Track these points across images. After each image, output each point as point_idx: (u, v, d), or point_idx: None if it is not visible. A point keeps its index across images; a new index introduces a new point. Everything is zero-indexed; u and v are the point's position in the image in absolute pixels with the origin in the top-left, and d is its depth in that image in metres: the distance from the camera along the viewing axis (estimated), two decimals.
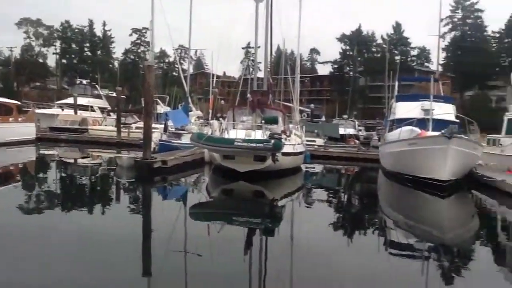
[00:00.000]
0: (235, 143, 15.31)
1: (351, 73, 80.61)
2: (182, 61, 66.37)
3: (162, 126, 24.66)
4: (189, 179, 17.60)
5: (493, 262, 8.21)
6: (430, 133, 16.80)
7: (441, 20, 42.03)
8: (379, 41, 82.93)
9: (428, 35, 73.58)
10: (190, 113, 28.75)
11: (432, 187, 14.80)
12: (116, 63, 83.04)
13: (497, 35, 71.46)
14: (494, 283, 6.75)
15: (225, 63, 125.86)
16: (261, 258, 7.42)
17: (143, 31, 78.26)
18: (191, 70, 49.80)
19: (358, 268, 6.90)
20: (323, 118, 50.30)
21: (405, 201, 14.96)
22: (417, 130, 17.32)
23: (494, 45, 71.83)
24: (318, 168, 24.30)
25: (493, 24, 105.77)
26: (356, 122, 48.10)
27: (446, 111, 19.37)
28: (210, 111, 33.73)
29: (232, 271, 6.46)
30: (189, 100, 30.96)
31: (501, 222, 12.59)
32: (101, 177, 17.47)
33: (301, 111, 37.53)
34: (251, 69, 29.68)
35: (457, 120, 19.13)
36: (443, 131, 14.70)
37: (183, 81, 30.66)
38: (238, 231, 9.16)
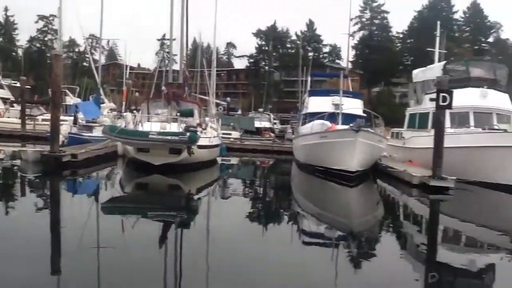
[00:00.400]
0: (150, 136, 15.02)
1: (266, 67, 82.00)
2: (93, 51, 63.65)
3: (72, 118, 23.50)
4: (101, 173, 16.97)
5: (396, 245, 8.85)
6: (340, 126, 17.62)
7: (351, 19, 44.13)
8: (293, 37, 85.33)
9: (339, 34, 77.02)
10: (102, 105, 27.60)
11: (342, 178, 15.55)
12: (20, 51, 77.42)
13: (401, 35, 76.42)
14: (398, 265, 7.26)
15: (140, 54, 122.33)
16: (176, 251, 7.39)
17: (51, 18, 73.68)
18: (103, 61, 47.88)
19: (273, 258, 7.07)
20: (239, 112, 50.71)
21: (317, 192, 15.60)
22: (328, 123, 18.07)
23: (398, 45, 76.66)
24: (234, 160, 24.56)
25: (398, 25, 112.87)
26: (271, 116, 49.09)
27: (354, 106, 20.35)
28: (124, 103, 32.74)
29: (146, 265, 6.34)
30: (101, 91, 29.70)
31: (402, 208, 13.64)
32: (4, 172, 16.30)
33: (217, 104, 37.57)
34: (166, 61, 29.15)
35: (365, 115, 20.18)
36: (351, 125, 15.51)
37: (95, 71, 29.35)
38: (153, 225, 9.03)
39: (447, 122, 16.28)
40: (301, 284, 5.98)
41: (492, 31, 75.81)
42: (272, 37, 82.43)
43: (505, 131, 16.04)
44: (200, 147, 16.40)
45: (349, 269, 6.90)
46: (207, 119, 21.64)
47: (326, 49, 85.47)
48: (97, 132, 20.31)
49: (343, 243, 8.50)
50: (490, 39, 75.59)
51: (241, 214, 10.35)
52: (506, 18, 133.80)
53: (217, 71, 37.41)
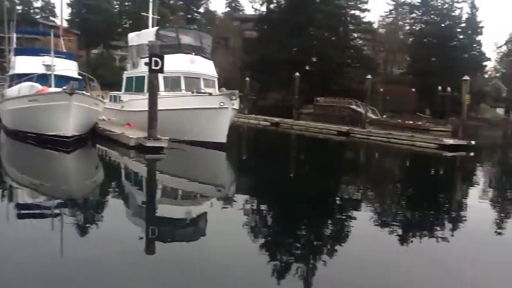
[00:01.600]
0: None
1: None
2: None
3: None
4: None
5: (120, 206, 9.12)
6: (52, 89, 16.57)
7: None
8: None
9: None
10: None
11: (57, 144, 14.83)
12: None
13: None
14: (122, 226, 7.51)
15: None
16: None
17: None
18: None
19: None
20: None
21: (31, 160, 14.43)
22: (38, 86, 16.80)
23: (116, 6, 75.50)
24: None
25: None
26: None
27: (68, 68, 19.37)
28: None
29: None
30: None
31: (123, 170, 14.16)
32: None
33: None
34: None
35: (80, 77, 19.57)
36: (64, 88, 14.81)
37: None
38: None
39: (161, 86, 17.31)
40: (23, 262, 5.63)
41: (202, 2, 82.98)
42: None
43: (210, 94, 17.94)
44: None
45: (74, 238, 6.63)
46: None
47: (38, 4, 77.79)
48: None
49: (65, 212, 8.21)
50: (201, 10, 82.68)
51: None
52: None
53: None
